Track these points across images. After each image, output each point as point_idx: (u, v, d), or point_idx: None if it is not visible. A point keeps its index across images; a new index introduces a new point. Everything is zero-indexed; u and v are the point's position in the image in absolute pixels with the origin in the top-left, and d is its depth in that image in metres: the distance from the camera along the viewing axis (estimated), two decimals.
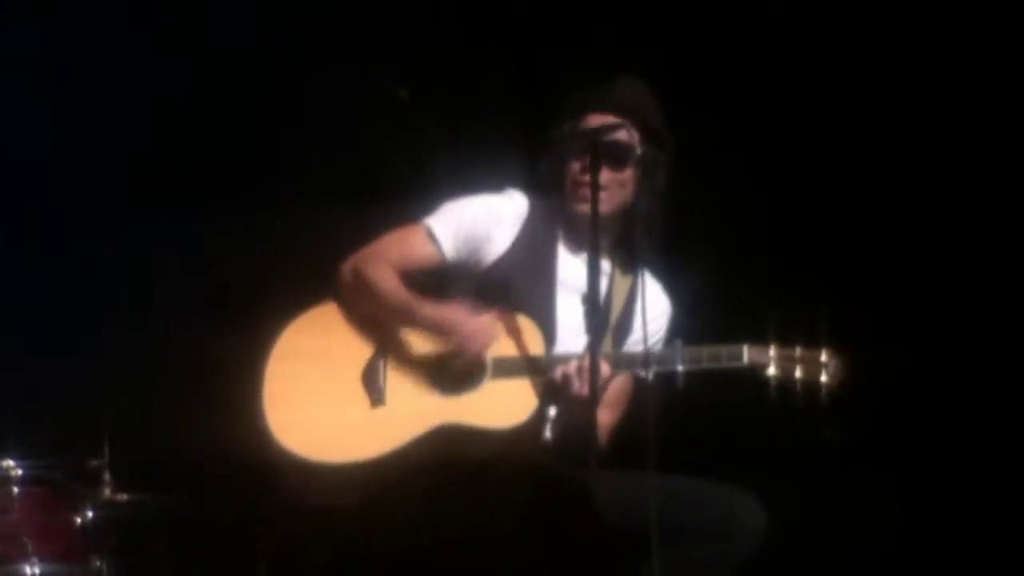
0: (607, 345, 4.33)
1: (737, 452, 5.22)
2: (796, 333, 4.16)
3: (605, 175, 4.22)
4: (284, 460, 4.19)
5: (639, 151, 4.28)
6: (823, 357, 4.18)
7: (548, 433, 4.34)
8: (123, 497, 4.87)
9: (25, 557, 4.66)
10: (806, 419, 4.57)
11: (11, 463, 4.71)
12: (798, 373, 4.17)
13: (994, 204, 5.31)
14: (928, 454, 5.38)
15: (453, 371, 4.26)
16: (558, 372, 4.19)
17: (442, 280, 4.37)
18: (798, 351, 4.18)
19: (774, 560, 4.32)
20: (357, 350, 4.30)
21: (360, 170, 5.47)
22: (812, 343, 4.17)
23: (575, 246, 4.39)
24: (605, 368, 4.14)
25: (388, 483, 4.15)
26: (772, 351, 4.19)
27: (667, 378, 4.17)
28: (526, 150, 4.71)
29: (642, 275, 4.33)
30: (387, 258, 4.32)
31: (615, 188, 4.27)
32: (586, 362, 4.08)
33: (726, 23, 5.36)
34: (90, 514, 4.78)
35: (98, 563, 4.76)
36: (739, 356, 4.19)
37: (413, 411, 4.23)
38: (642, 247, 4.31)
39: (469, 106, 5.49)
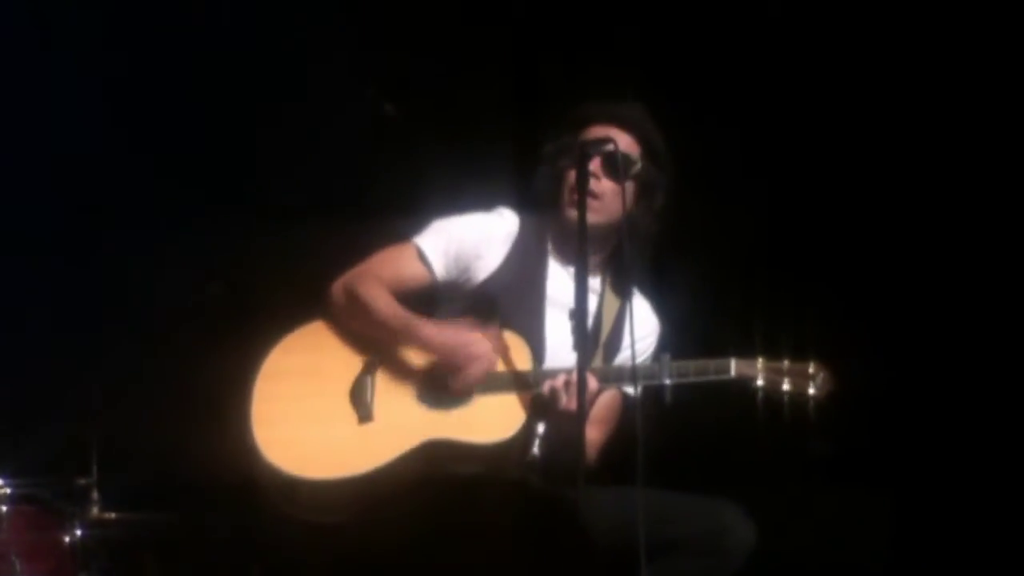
0: (596, 361, 4.33)
1: (726, 466, 5.23)
2: (783, 346, 4.17)
3: (604, 185, 4.25)
4: (272, 477, 4.19)
5: (639, 166, 4.28)
6: (810, 369, 4.19)
7: (536, 449, 4.34)
8: (111, 516, 4.87)
9: None
10: (795, 432, 4.60)
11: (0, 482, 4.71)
12: (786, 386, 4.18)
13: (986, 214, 5.32)
14: (920, 465, 5.39)
15: (442, 387, 4.26)
16: (545, 387, 4.19)
17: (432, 298, 4.36)
18: (786, 364, 4.19)
19: (764, 574, 4.32)
20: (345, 367, 4.29)
21: (351, 185, 5.47)
22: (799, 355, 4.18)
23: (566, 260, 4.39)
24: (593, 383, 4.14)
25: (376, 499, 4.13)
26: (760, 364, 4.19)
27: (655, 392, 4.17)
28: (519, 164, 4.71)
29: (631, 293, 4.33)
30: (378, 277, 4.31)
31: (612, 198, 4.25)
32: (574, 376, 4.08)
33: (711, 35, 5.38)
34: (79, 532, 4.78)
35: None
36: (727, 369, 4.19)
37: (400, 426, 4.23)
38: (633, 264, 4.31)
39: (462, 121, 5.50)
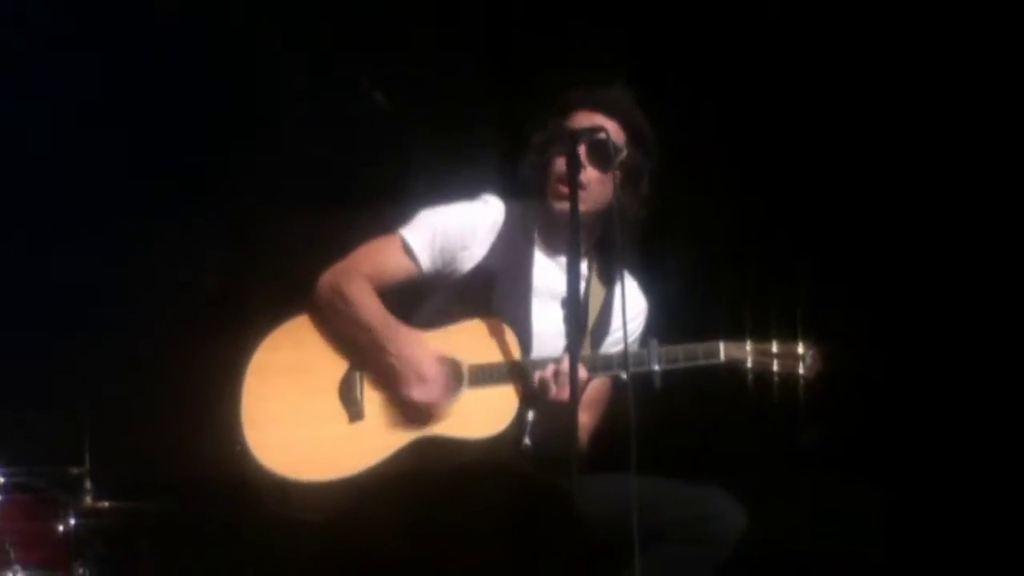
0: (585, 348, 4.33)
1: (717, 453, 5.24)
2: (772, 328, 4.18)
3: (589, 174, 4.23)
4: (266, 480, 4.15)
5: (625, 153, 4.25)
6: (799, 350, 4.19)
7: (528, 439, 4.34)
8: (105, 504, 4.88)
9: (8, 565, 4.68)
10: (786, 419, 4.61)
11: None
12: (775, 367, 4.18)
13: (975, 196, 5.33)
14: (911, 452, 5.41)
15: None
16: (535, 377, 4.18)
17: (420, 289, 4.34)
18: (774, 345, 4.20)
19: (756, 561, 4.34)
20: (333, 364, 4.26)
21: (336, 173, 5.48)
22: (788, 336, 4.19)
23: (552, 249, 4.38)
24: (582, 372, 4.12)
25: (371, 498, 4.14)
26: (748, 346, 4.19)
27: (644, 378, 4.14)
28: (505, 151, 4.71)
29: (621, 278, 4.31)
30: (364, 272, 4.29)
31: (597, 187, 4.24)
32: (563, 366, 4.08)
33: (701, 14, 5.38)
34: (72, 521, 4.80)
35: (81, 570, 4.79)
36: (716, 353, 4.18)
37: (392, 424, 4.20)
38: (622, 251, 4.29)
39: (447, 107, 5.50)
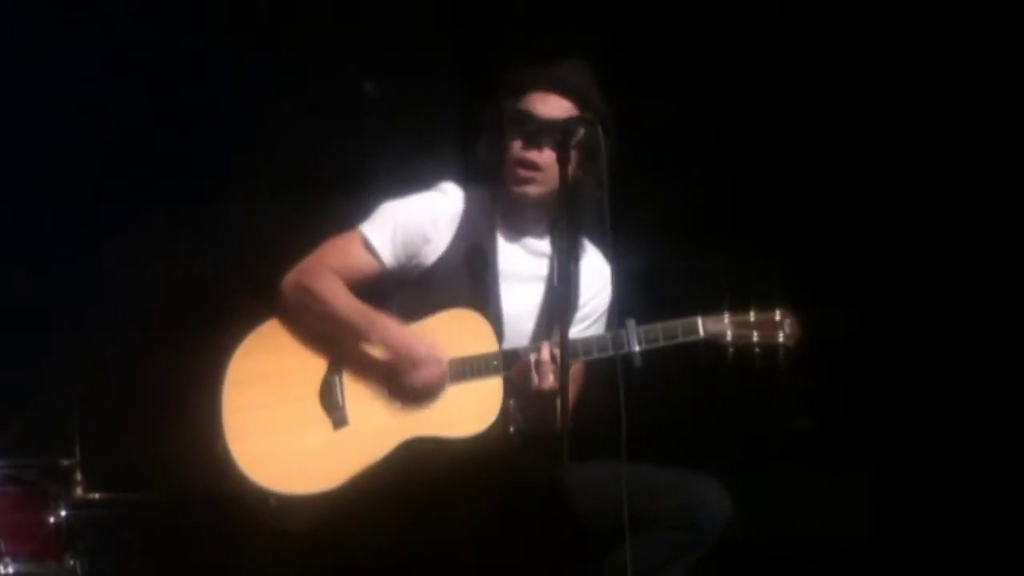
0: (558, 335, 4.30)
1: (704, 440, 5.25)
2: (748, 298, 4.17)
3: (547, 156, 4.23)
4: (256, 495, 4.14)
5: (582, 132, 4.16)
6: (777, 316, 4.20)
7: (512, 427, 4.32)
8: (95, 496, 4.89)
9: None
10: (776, 406, 4.62)
11: None
12: (755, 338, 4.19)
13: (953, 166, 5.34)
14: (901, 439, 5.42)
15: (404, 386, 4.21)
16: (515, 370, 4.18)
17: (385, 286, 4.31)
18: (752, 315, 4.20)
19: (742, 547, 4.35)
20: (309, 368, 4.23)
21: (296, 164, 5.46)
22: (765, 305, 4.18)
23: (514, 232, 4.36)
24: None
25: (364, 504, 4.12)
26: (726, 318, 4.19)
27: (625, 359, 4.12)
28: (463, 136, 4.69)
29: (575, 259, 4.27)
30: (330, 268, 4.26)
31: (554, 169, 4.16)
32: (543, 355, 4.10)
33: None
34: (63, 513, 4.80)
35: (72, 562, 4.78)
36: (695, 329, 4.18)
37: (378, 429, 4.19)
38: (582, 229, 4.27)
39: (406, 94, 5.49)
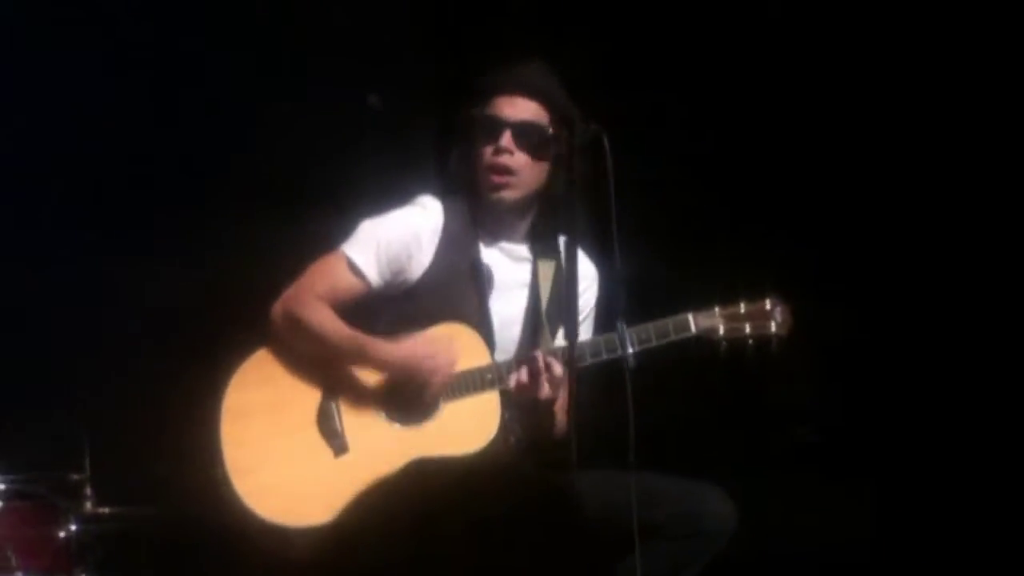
0: (546, 335, 4.33)
1: (708, 449, 5.25)
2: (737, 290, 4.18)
3: (519, 160, 4.25)
4: (264, 530, 4.17)
5: (551, 133, 4.23)
6: (767, 306, 4.21)
7: (512, 437, 4.33)
8: (105, 511, 4.90)
9: (10, 571, 4.68)
10: (778, 416, 4.62)
11: None
12: (747, 330, 4.20)
13: (947, 160, 5.35)
14: (901, 449, 5.41)
15: (407, 399, 4.24)
16: (511, 381, 4.20)
17: (373, 305, 4.34)
18: (742, 306, 4.21)
19: (748, 557, 4.35)
20: (305, 397, 4.26)
21: (281, 177, 5.47)
22: (754, 295, 4.19)
23: (493, 238, 4.39)
24: (557, 368, 4.15)
25: (374, 524, 4.13)
26: (717, 312, 4.21)
27: (618, 363, 4.13)
28: (436, 148, 4.71)
29: (563, 263, 4.28)
30: (317, 295, 4.28)
31: (528, 173, 4.26)
32: (539, 364, 4.12)
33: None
34: (73, 528, 4.80)
35: None
36: (687, 326, 4.20)
37: (379, 453, 4.21)
38: (564, 229, 4.25)
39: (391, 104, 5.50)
